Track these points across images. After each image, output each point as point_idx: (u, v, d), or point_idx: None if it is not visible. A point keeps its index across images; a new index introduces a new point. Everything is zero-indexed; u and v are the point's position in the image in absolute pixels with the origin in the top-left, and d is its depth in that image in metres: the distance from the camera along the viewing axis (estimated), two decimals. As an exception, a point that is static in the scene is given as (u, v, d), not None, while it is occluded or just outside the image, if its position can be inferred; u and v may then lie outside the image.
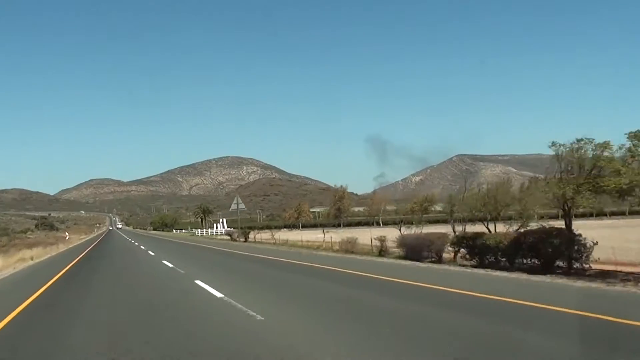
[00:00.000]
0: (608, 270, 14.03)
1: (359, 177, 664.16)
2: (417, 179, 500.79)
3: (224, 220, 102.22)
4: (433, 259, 19.41)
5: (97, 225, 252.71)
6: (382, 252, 23.29)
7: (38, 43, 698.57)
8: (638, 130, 12.55)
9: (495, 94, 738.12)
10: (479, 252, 16.92)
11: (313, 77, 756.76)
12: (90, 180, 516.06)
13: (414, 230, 23.28)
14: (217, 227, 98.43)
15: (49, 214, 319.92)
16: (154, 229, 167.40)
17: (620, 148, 13.08)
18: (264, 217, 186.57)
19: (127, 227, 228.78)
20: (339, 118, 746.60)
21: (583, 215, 43.24)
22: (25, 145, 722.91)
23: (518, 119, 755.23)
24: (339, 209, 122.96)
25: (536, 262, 15.03)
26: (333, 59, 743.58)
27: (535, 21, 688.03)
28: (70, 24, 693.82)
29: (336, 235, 33.93)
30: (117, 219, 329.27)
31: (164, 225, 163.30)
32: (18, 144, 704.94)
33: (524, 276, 14.00)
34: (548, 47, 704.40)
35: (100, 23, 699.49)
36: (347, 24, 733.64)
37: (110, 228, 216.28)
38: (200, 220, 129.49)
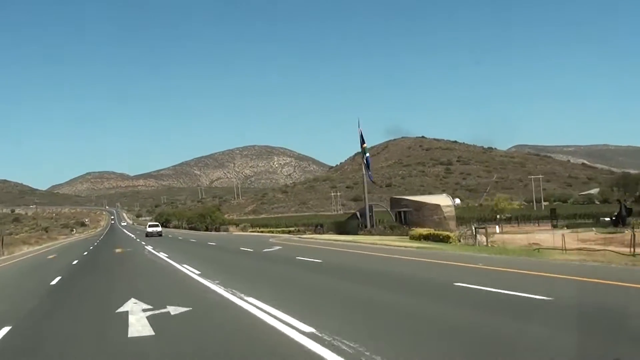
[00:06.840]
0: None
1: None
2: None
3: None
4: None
5: (76, 230, 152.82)
6: None
7: (36, 35, 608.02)
8: None
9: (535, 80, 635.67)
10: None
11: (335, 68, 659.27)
12: (87, 173, 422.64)
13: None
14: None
15: (12, 211, 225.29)
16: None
17: None
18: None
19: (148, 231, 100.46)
20: (361, 108, 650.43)
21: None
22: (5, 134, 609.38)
23: (578, 109, 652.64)
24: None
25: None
26: (351, 50, 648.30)
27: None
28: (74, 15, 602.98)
29: None
30: (125, 214, 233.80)
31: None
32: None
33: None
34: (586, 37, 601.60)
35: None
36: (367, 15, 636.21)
37: (113, 221, 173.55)
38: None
